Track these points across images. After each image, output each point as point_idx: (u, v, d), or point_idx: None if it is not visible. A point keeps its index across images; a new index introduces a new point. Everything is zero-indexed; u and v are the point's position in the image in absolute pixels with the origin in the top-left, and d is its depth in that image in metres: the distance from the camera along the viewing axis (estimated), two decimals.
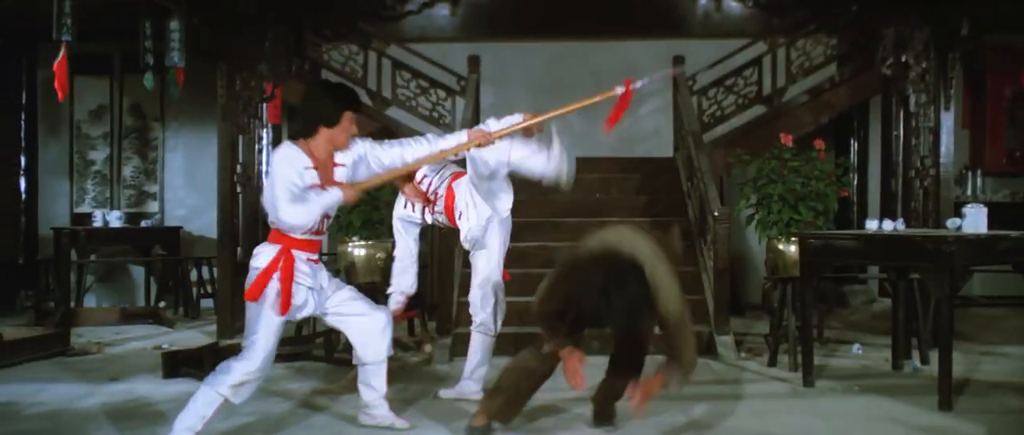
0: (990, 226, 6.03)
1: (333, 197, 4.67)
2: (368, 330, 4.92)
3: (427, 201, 5.90)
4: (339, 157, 4.81)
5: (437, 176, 5.91)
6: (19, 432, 5.09)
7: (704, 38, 11.16)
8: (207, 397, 4.50)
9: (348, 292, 4.98)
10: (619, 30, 11.24)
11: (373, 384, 5.04)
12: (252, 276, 4.56)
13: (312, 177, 4.61)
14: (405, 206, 6.01)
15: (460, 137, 5.20)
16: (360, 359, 4.99)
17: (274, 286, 4.52)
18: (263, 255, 4.60)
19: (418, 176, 5.89)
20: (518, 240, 6.73)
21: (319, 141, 4.70)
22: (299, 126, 4.79)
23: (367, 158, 4.94)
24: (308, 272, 4.68)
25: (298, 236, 4.62)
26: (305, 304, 4.71)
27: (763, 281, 8.45)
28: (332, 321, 4.97)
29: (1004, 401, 5.79)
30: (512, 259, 6.24)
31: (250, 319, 4.58)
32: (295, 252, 4.61)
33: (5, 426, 5.20)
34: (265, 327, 4.54)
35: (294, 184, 4.53)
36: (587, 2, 11.14)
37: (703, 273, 8.26)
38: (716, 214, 7.81)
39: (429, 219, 6.01)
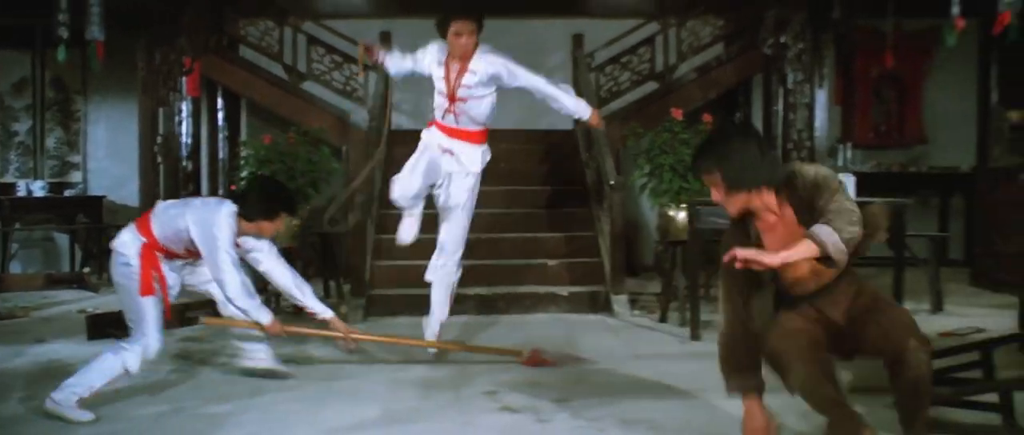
0: (858, 194, 6.24)
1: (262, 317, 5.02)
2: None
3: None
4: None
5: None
6: None
7: (602, 18, 11.23)
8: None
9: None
10: (525, 9, 11.25)
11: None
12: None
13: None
14: None
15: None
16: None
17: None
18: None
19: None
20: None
21: (251, 226, 4.96)
22: (248, 208, 4.92)
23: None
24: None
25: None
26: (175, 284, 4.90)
27: (655, 245, 8.62)
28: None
29: None
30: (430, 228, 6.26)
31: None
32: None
33: None
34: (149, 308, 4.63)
35: (232, 249, 4.79)
36: None
37: (600, 238, 8.39)
38: (612, 183, 7.93)
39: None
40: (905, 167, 11.27)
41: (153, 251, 4.70)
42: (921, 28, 10.77)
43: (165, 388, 5.06)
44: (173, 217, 4.78)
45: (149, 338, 4.58)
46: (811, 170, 3.52)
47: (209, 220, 4.74)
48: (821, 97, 8.46)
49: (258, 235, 5.05)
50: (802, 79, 8.40)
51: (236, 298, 4.84)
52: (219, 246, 4.71)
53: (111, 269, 4.78)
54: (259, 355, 5.29)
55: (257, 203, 4.94)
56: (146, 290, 4.61)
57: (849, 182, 6.20)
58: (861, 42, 10.84)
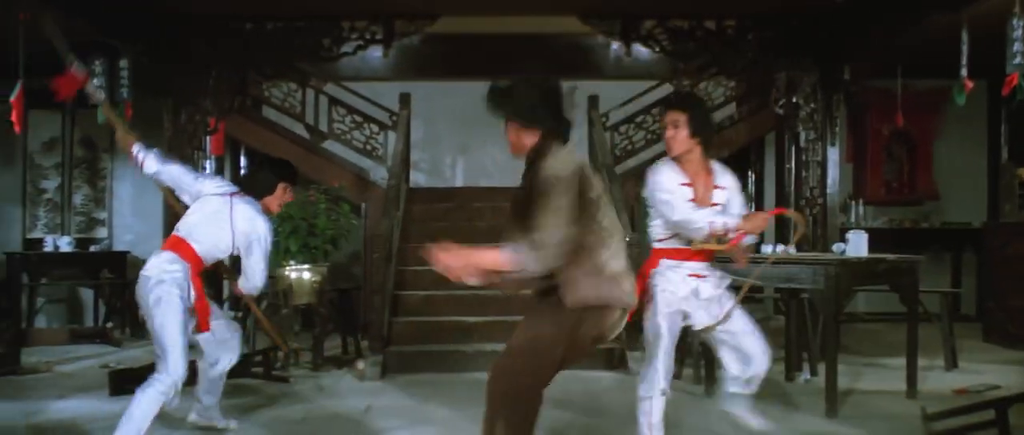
0: (870, 250, 6.19)
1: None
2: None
3: None
4: None
5: None
6: None
7: (616, 79, 11.32)
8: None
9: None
10: (540, 72, 11.32)
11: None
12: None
13: None
14: None
15: None
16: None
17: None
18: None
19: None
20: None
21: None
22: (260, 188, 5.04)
23: None
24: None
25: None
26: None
27: None
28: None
29: (883, 407, 5.92)
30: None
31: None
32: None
33: None
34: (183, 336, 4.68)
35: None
36: (512, 45, 11.22)
37: None
38: (628, 240, 7.90)
39: None
40: (917, 223, 11.21)
41: (198, 276, 4.76)
42: (931, 87, 10.77)
43: None
44: (221, 234, 4.85)
45: (180, 367, 4.56)
46: None
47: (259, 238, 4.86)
48: (833, 155, 8.43)
49: (269, 215, 5.08)
50: (814, 138, 8.39)
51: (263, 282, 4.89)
52: (266, 252, 4.87)
53: (145, 294, 4.66)
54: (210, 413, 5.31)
55: (255, 184, 5.04)
56: (204, 325, 4.73)
57: (861, 238, 6.15)
58: (872, 101, 10.86)
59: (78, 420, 5.63)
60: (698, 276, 4.42)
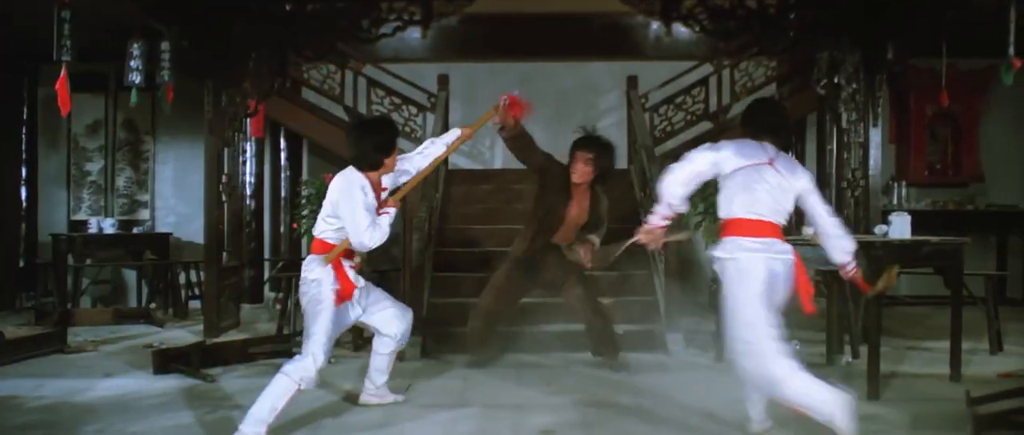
0: (914, 232, 6.14)
1: (392, 215, 5.00)
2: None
3: None
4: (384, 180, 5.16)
5: None
6: (21, 424, 5.06)
7: (656, 60, 11.29)
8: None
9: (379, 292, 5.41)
10: (580, 52, 11.34)
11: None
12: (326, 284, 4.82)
13: (373, 200, 4.93)
14: None
15: (446, 138, 5.55)
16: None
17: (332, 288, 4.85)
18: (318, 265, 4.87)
19: None
20: (495, 241, 6.76)
21: (378, 173, 5.06)
22: (363, 154, 5.00)
23: (398, 175, 5.29)
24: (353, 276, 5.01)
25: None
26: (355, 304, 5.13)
27: (710, 283, 8.54)
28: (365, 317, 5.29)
29: (926, 391, 5.89)
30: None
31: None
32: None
33: (8, 418, 5.17)
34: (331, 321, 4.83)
35: (370, 207, 4.85)
36: (551, 26, 11.22)
37: (655, 275, 8.33)
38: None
39: None
40: (961, 205, 11.08)
41: (339, 260, 4.89)
42: (976, 67, 10.63)
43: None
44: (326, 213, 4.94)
45: (320, 352, 4.70)
46: None
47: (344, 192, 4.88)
48: (875, 136, 8.33)
49: (386, 173, 5.14)
50: (856, 118, 8.29)
51: (372, 241, 4.85)
52: (356, 208, 4.80)
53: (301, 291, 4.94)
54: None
55: (366, 152, 4.99)
56: (345, 295, 4.91)
57: (904, 221, 6.10)
58: (915, 81, 10.73)
59: (124, 398, 5.74)
60: None
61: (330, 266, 4.84)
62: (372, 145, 4.99)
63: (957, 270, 6.10)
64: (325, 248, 4.90)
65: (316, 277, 4.84)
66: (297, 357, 4.74)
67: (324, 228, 4.95)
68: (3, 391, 5.89)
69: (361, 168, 4.98)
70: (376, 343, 5.40)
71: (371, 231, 4.79)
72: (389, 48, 11.07)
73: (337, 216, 4.88)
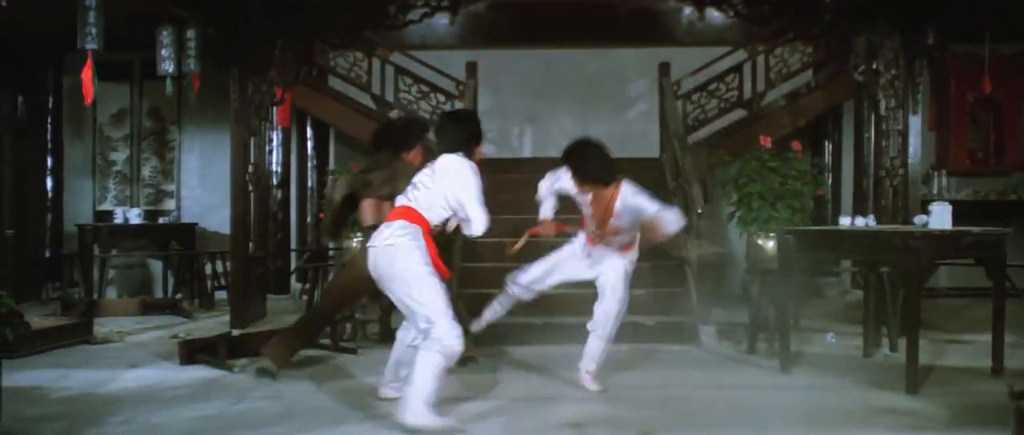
0: (954, 222, 6.05)
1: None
2: None
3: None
4: None
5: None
6: (46, 414, 5.10)
7: (688, 46, 11.20)
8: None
9: None
10: (610, 38, 11.28)
11: None
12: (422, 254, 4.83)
13: None
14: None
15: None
16: None
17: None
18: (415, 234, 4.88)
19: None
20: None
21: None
22: (457, 144, 5.11)
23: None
24: None
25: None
26: None
27: (743, 274, 8.48)
28: None
29: (966, 385, 5.81)
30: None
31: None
32: None
33: (33, 408, 5.21)
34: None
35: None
36: (579, 12, 11.16)
37: (687, 266, 8.28)
38: (700, 212, 7.83)
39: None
40: (1003, 195, 10.93)
41: (429, 235, 4.94)
42: (1020, 51, 10.47)
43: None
44: (433, 195, 4.95)
45: (448, 317, 4.70)
46: None
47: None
48: (915, 123, 8.23)
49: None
50: (895, 105, 8.19)
51: (484, 225, 4.98)
52: (473, 194, 4.93)
53: (385, 262, 4.87)
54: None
55: (461, 141, 5.12)
56: (445, 273, 4.91)
57: (944, 210, 6.01)
58: (956, 66, 10.57)
59: (149, 389, 5.77)
60: None
61: (426, 244, 4.88)
62: (465, 135, 5.13)
63: (999, 261, 6.02)
64: (420, 220, 4.91)
65: (418, 245, 4.83)
66: (430, 331, 4.70)
67: (430, 204, 4.98)
68: (28, 381, 5.94)
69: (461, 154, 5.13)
70: (402, 334, 5.39)
71: (487, 218, 4.95)
72: (416, 35, 11.05)
73: (447, 198, 4.96)
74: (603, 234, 5.74)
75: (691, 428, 4.80)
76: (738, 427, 4.84)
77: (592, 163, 5.64)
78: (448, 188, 4.92)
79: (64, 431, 4.74)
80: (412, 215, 4.90)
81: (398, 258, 4.79)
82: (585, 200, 5.83)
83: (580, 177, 5.67)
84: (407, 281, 4.78)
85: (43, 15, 9.17)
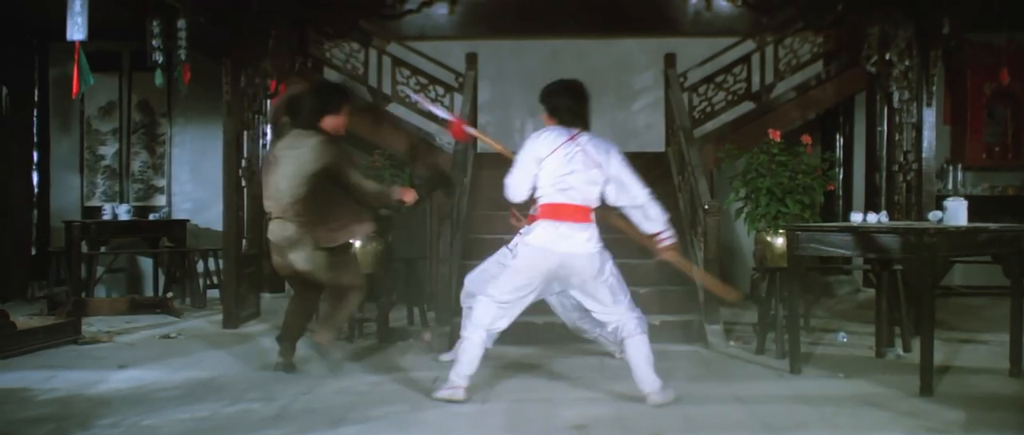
0: (970, 218, 6.05)
1: None
2: None
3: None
4: None
5: None
6: (33, 417, 5.10)
7: (695, 36, 11.19)
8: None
9: None
10: (613, 28, 11.28)
11: None
12: None
13: None
14: None
15: None
16: None
17: None
18: None
19: None
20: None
21: None
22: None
23: None
24: None
25: None
26: None
27: (751, 272, 8.48)
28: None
29: (982, 386, 5.81)
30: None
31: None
32: None
33: (19, 411, 5.21)
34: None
35: None
36: (582, 1, 11.16)
37: (693, 264, 8.28)
38: (706, 207, 7.84)
39: None
40: (1021, 190, 10.93)
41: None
42: None
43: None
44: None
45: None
46: None
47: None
48: (929, 116, 8.22)
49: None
50: (909, 97, 8.18)
51: None
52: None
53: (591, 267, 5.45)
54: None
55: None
56: None
57: (960, 206, 6.01)
58: (972, 57, 10.58)
59: (140, 390, 5.77)
60: None
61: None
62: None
63: (1017, 258, 6.02)
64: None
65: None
66: (638, 319, 5.39)
67: (594, 195, 5.44)
68: (14, 383, 5.95)
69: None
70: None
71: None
72: (414, 25, 11.06)
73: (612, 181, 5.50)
74: None
75: (701, 430, 4.80)
76: (748, 430, 4.84)
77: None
78: (612, 167, 5.62)
79: (52, 434, 4.74)
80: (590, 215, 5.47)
81: (607, 262, 5.49)
82: None
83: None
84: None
85: (28, 2, 9.17)
